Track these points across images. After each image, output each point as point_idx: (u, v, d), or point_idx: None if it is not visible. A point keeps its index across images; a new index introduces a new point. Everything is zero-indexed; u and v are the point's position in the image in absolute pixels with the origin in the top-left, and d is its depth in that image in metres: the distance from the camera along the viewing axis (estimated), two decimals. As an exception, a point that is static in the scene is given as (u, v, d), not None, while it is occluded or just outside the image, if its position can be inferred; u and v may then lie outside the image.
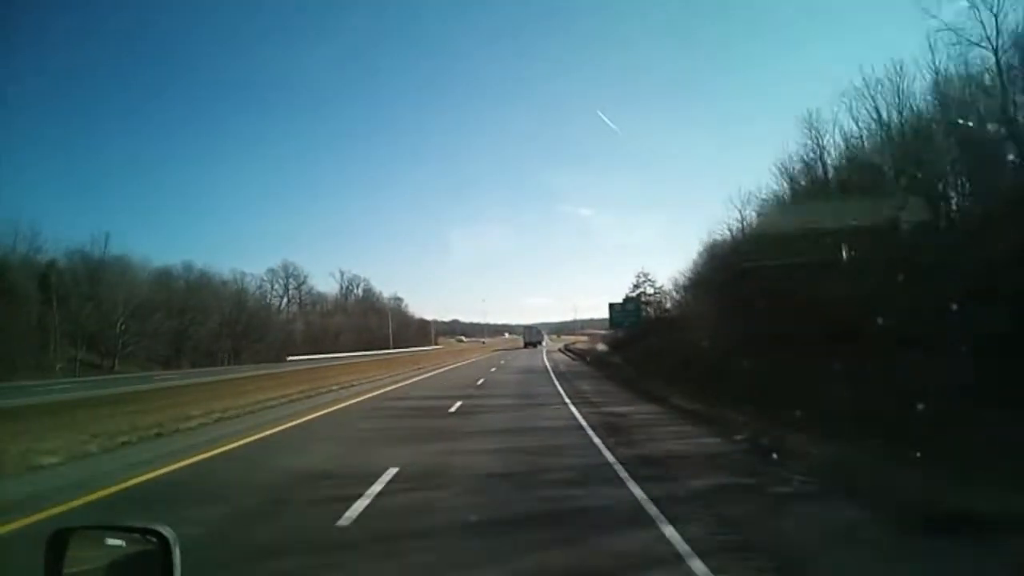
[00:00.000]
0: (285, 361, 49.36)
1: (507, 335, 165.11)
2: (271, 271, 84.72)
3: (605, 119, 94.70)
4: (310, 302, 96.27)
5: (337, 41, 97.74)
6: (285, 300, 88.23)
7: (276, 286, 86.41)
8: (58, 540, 1.54)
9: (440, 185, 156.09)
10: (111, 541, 1.58)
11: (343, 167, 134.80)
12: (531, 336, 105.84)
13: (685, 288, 45.26)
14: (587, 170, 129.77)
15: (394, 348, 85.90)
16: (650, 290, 53.47)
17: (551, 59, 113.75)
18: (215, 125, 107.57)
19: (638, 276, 53.87)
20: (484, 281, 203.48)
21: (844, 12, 53.18)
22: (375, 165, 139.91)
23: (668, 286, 49.43)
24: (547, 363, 39.69)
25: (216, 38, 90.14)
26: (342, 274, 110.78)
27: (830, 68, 51.37)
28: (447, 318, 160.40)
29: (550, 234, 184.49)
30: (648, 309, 50.29)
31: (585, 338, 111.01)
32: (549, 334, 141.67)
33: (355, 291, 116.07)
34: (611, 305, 49.09)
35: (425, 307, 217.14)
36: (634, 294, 54.05)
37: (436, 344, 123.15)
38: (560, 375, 26.00)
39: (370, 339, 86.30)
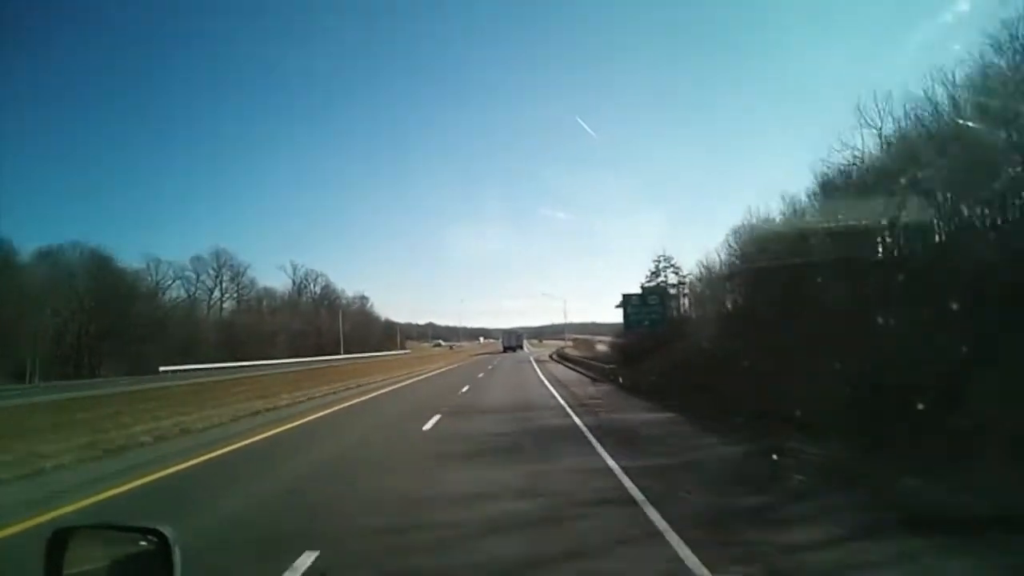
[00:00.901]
0: (155, 373, 34.25)
1: (482, 339, 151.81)
2: (196, 259, 68.66)
3: (583, 124, 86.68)
4: (253, 297, 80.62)
5: (318, 32, 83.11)
6: (217, 293, 72.24)
7: (204, 277, 70.53)
8: (58, 540, 1.50)
9: (421, 188, 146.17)
10: (111, 541, 1.59)
11: (325, 167, 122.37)
12: (510, 340, 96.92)
13: (726, 279, 31.84)
14: (571, 172, 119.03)
15: (347, 353, 70.80)
16: (673, 279, 39.97)
17: (536, 57, 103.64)
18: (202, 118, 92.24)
19: (657, 260, 40.16)
20: (462, 284, 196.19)
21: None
22: (358, 164, 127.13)
23: (695, 273, 36.25)
24: (551, 387, 22.91)
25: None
26: (295, 268, 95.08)
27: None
28: (422, 321, 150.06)
29: (532, 237, 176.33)
30: (673, 304, 36.72)
31: (570, 343, 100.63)
32: (529, 338, 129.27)
33: (311, 287, 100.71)
34: (626, 298, 35.14)
35: (400, 310, 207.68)
36: (651, 283, 40.44)
37: (403, 349, 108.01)
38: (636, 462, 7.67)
39: (319, 342, 71.06)
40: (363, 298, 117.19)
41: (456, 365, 42.93)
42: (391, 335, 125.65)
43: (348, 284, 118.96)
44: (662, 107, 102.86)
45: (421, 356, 70.14)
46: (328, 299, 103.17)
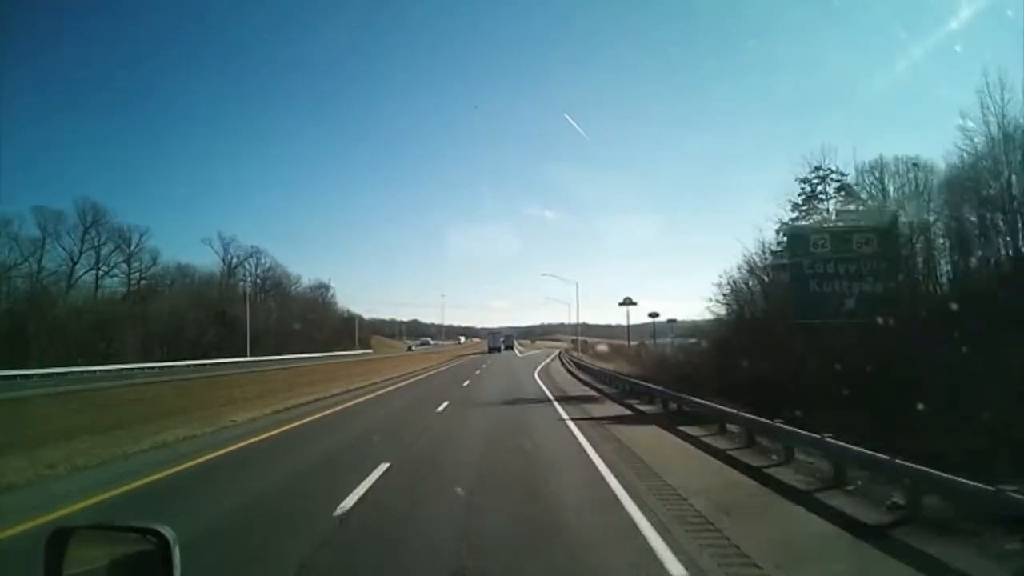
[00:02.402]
0: None
1: (462, 339, 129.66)
2: (45, 212, 45.94)
3: (573, 123, 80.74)
4: (155, 274, 58.50)
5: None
6: (85, 263, 49.60)
7: (67, 241, 48.13)
8: (58, 540, 1.45)
9: (409, 185, 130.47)
10: (111, 541, 1.54)
11: (309, 162, 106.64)
12: (495, 341, 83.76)
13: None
14: (562, 172, 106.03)
15: (260, 354, 48.83)
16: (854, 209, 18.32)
17: (528, 51, 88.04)
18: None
19: (805, 180, 18.57)
20: (448, 281, 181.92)
21: None
22: (343, 156, 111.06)
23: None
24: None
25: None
26: (226, 243, 72.92)
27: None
28: (405, 317, 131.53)
29: (521, 236, 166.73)
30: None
31: (567, 344, 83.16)
32: (518, 338, 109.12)
33: (249, 267, 78.73)
34: (794, 242, 14.11)
35: (382, 306, 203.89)
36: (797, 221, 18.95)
37: (365, 348, 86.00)
38: None
39: (222, 338, 49.04)
40: (322, 286, 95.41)
41: (379, 392, 20.75)
42: (365, 332, 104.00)
43: (331, 281, 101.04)
44: (660, 105, 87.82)
45: (363, 363, 47.42)
46: (272, 282, 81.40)
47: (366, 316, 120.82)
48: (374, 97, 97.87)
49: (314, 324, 79.05)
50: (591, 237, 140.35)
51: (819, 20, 40.07)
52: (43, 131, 68.16)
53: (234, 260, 74.29)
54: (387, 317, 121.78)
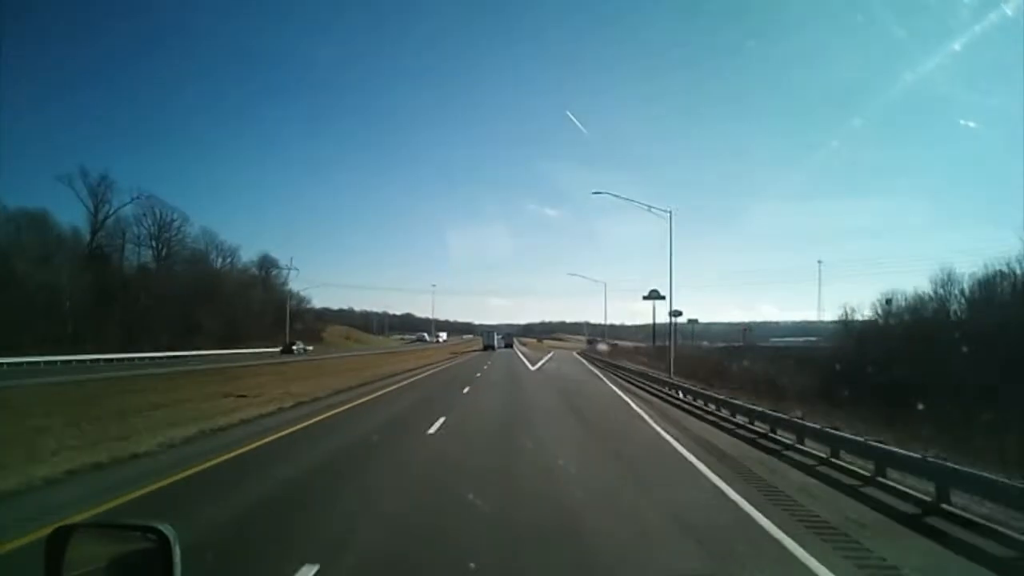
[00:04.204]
0: None
1: (442, 336, 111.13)
2: None
3: (574, 119, 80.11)
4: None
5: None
6: None
7: None
8: (58, 539, 1.42)
9: (414, 182, 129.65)
10: (111, 539, 1.51)
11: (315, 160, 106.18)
12: (490, 339, 75.48)
13: None
14: (563, 170, 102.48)
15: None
16: None
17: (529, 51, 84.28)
18: None
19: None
20: (445, 278, 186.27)
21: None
22: (339, 152, 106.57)
23: None
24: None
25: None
26: (92, 186, 49.49)
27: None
28: (399, 311, 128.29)
29: (520, 234, 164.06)
30: None
31: (583, 344, 77.14)
32: (517, 336, 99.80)
33: (145, 224, 55.11)
34: None
35: (376, 299, 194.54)
36: None
37: (307, 346, 61.64)
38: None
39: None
40: (266, 263, 72.24)
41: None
42: (315, 324, 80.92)
43: (326, 275, 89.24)
44: (661, 104, 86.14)
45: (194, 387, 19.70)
46: (180, 247, 57.43)
47: (356, 308, 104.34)
48: (373, 92, 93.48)
49: (228, 308, 55.65)
50: (594, 236, 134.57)
51: (811, 19, 28.35)
52: None
53: (108, 210, 50.57)
54: (379, 310, 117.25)
